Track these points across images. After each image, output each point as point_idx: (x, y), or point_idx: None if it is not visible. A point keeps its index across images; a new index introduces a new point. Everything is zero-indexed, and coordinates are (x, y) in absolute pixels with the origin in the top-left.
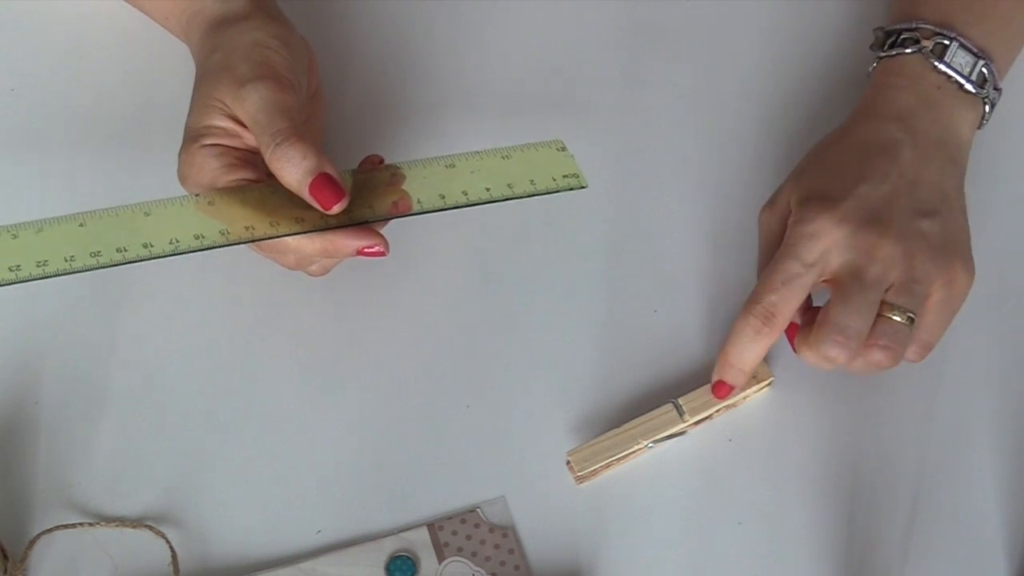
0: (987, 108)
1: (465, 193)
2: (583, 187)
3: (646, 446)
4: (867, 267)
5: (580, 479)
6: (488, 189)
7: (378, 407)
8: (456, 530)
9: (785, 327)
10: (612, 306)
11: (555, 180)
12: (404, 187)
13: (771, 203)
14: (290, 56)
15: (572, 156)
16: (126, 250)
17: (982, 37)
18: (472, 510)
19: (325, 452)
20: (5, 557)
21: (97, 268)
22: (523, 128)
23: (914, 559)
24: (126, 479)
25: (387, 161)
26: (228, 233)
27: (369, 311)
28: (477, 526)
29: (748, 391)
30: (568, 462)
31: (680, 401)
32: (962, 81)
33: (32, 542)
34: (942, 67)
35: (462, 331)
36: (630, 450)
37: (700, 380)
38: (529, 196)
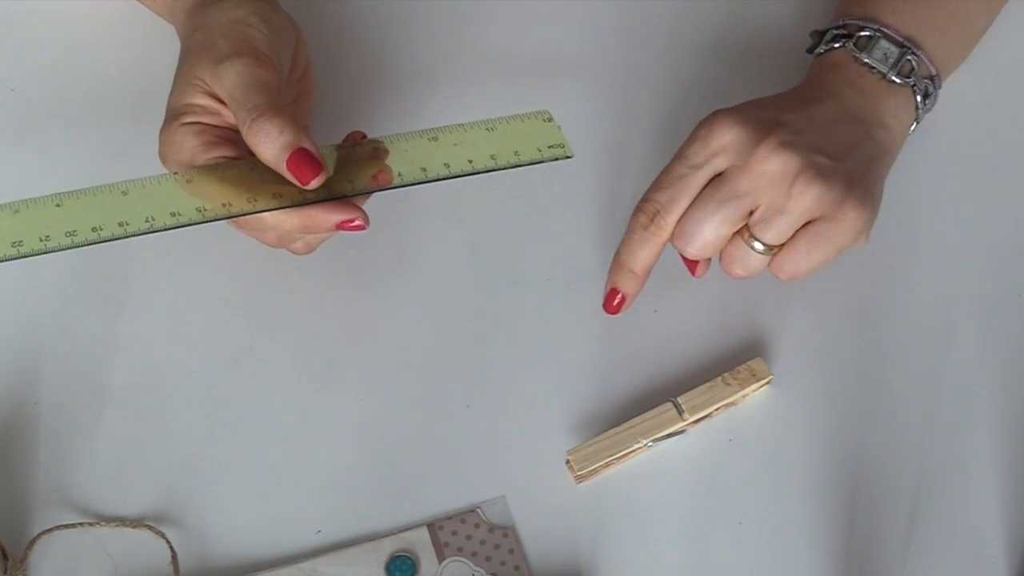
0: (918, 97)
1: (447, 165)
2: (569, 157)
3: (646, 445)
4: (738, 176)
5: (580, 479)
6: (471, 161)
7: (378, 407)
8: (456, 530)
9: (672, 227)
10: None
11: (540, 151)
12: (387, 161)
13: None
14: (270, 33)
15: (559, 126)
16: (101, 229)
17: (908, 26)
18: (472, 510)
19: (325, 452)
20: (5, 557)
21: (71, 247)
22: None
23: (914, 559)
24: (126, 479)
25: (374, 136)
26: (205, 210)
27: (369, 311)
28: (477, 526)
29: (747, 389)
30: (568, 461)
31: (679, 400)
32: (885, 71)
33: (32, 542)
34: (864, 59)
35: (462, 331)
36: (630, 449)
37: (699, 379)
38: (512, 167)
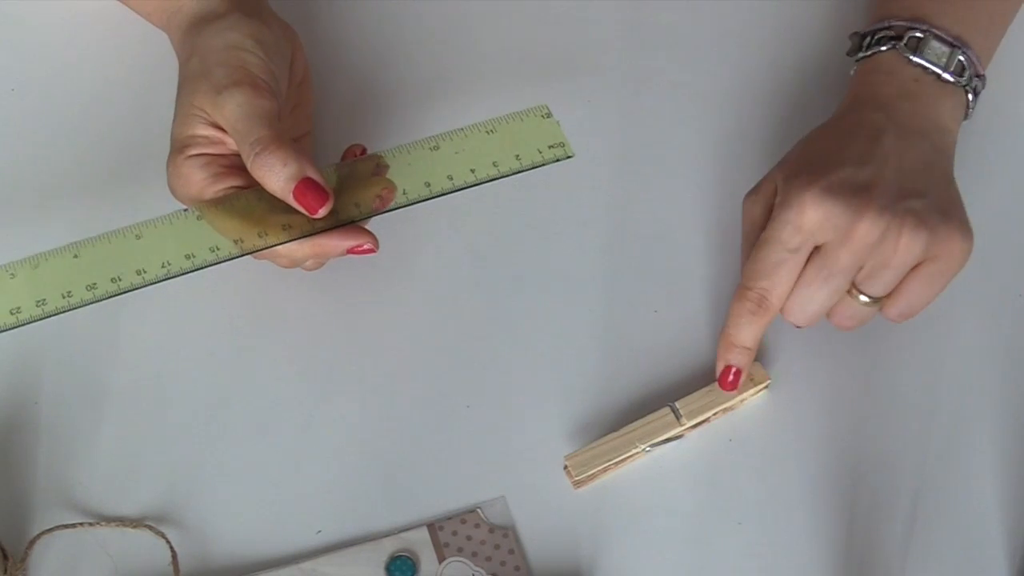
0: (970, 96)
1: (450, 178)
2: (570, 157)
3: (643, 450)
4: (840, 252)
5: (578, 484)
6: (473, 171)
7: (378, 407)
8: (456, 530)
9: (779, 306)
10: (612, 306)
11: (541, 153)
12: (388, 176)
13: (755, 189)
14: (266, 56)
15: (558, 122)
16: (120, 279)
17: (956, 25)
18: (472, 510)
19: (325, 452)
20: (5, 557)
21: (94, 302)
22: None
23: (914, 559)
24: (126, 479)
25: (375, 147)
26: (218, 249)
27: (369, 311)
28: (477, 526)
29: (745, 394)
30: (565, 467)
31: (678, 405)
32: (939, 72)
33: (32, 542)
34: (917, 59)
35: (462, 331)
36: (627, 454)
37: (699, 380)
38: (516, 173)
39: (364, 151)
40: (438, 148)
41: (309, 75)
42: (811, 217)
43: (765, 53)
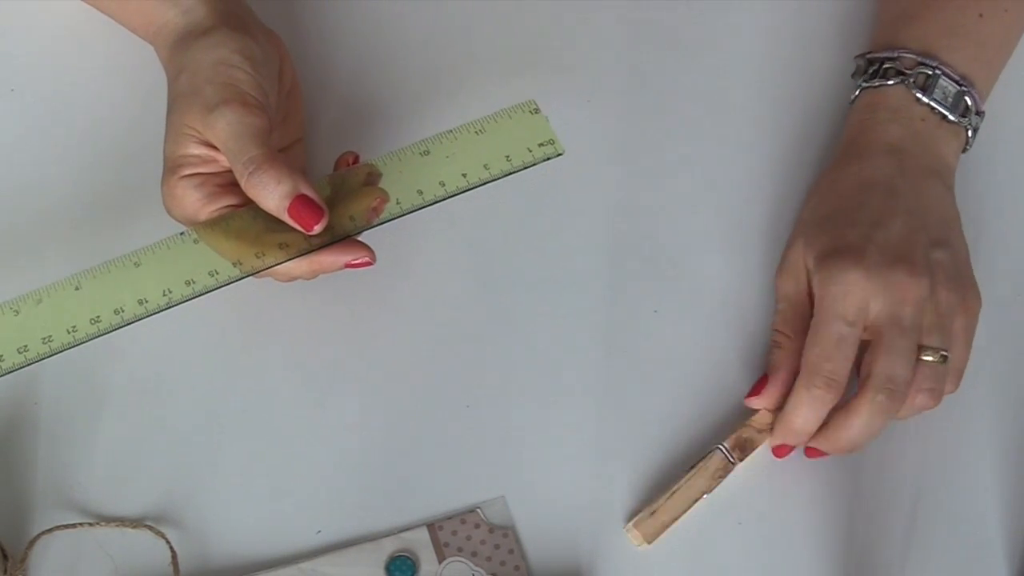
0: (970, 134)
1: (442, 184)
2: (559, 154)
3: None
4: (902, 312)
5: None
6: (464, 175)
7: (378, 407)
8: (456, 530)
9: (844, 387)
10: (612, 306)
11: (531, 151)
12: (381, 185)
13: (784, 267)
14: (255, 71)
15: (546, 118)
16: (123, 311)
17: (964, 63)
18: (472, 510)
19: (325, 452)
20: (5, 557)
21: (99, 335)
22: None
23: (914, 559)
24: (126, 479)
25: (369, 151)
26: (217, 273)
27: (369, 311)
28: (477, 526)
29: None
30: (629, 526)
31: (725, 445)
32: (945, 112)
33: (32, 542)
34: (925, 99)
35: (462, 331)
36: (691, 505)
37: (698, 380)
38: (507, 175)
39: (357, 159)
40: (428, 153)
41: (297, 83)
42: (860, 296)
43: (765, 53)
